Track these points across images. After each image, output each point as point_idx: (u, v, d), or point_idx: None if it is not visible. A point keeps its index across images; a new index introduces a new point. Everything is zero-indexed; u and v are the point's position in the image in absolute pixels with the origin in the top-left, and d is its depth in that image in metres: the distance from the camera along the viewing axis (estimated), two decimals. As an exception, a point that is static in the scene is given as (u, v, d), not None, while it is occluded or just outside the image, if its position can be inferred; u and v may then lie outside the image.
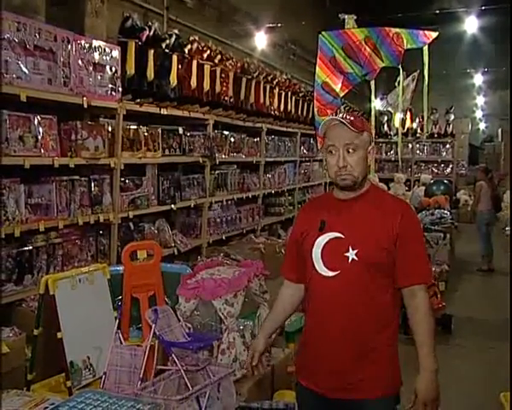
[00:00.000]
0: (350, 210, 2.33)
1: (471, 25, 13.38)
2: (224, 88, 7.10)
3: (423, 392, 2.22)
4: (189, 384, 2.54)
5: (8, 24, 3.96)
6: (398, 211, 2.31)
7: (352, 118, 2.32)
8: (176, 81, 5.91)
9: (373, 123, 5.55)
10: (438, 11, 12.93)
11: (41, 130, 4.35)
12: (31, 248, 4.42)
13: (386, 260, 2.26)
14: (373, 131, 5.39)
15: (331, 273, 2.29)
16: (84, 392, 2.25)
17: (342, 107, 4.93)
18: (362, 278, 2.25)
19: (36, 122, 4.31)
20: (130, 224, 5.71)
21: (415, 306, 2.28)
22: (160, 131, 5.96)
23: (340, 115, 2.34)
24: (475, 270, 9.63)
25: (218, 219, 7.60)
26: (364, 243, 2.25)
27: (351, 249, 2.26)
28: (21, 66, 4.08)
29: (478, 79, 21.97)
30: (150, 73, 5.51)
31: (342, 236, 2.29)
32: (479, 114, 25.22)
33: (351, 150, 2.29)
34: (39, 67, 4.25)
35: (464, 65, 20.06)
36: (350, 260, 2.26)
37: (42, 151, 4.35)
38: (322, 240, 2.32)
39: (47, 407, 2.18)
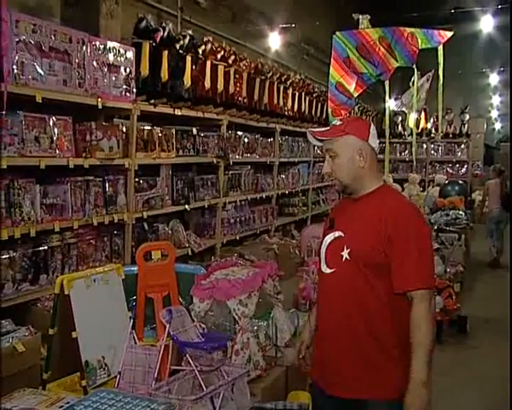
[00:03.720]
0: (352, 210, 2.37)
1: (487, 24, 13.22)
2: (238, 88, 7.11)
3: (408, 406, 2.13)
4: (203, 385, 2.53)
5: (23, 26, 4.00)
6: (391, 212, 2.24)
7: (328, 127, 2.41)
8: (190, 82, 5.93)
9: (387, 123, 5.53)
10: (453, 10, 12.84)
11: (56, 130, 4.38)
12: (46, 248, 4.46)
13: (380, 261, 2.21)
14: (387, 132, 5.41)
15: (329, 271, 2.34)
16: (98, 391, 2.25)
17: (356, 107, 4.91)
18: (353, 277, 2.25)
19: (51, 123, 4.34)
20: (145, 224, 5.74)
21: (412, 313, 2.19)
22: (174, 131, 5.99)
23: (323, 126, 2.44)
24: (486, 265, 9.65)
25: (232, 220, 7.61)
26: (357, 243, 2.26)
27: (345, 248, 2.28)
28: (37, 67, 4.12)
29: (493, 78, 21.75)
30: (164, 74, 5.53)
31: (343, 234, 2.32)
32: (494, 113, 25.03)
33: (332, 155, 2.34)
34: (54, 68, 4.29)
35: (480, 64, 19.85)
36: (343, 258, 2.28)
37: (57, 152, 4.39)
38: (329, 238, 2.37)
39: (62, 406, 2.19)
